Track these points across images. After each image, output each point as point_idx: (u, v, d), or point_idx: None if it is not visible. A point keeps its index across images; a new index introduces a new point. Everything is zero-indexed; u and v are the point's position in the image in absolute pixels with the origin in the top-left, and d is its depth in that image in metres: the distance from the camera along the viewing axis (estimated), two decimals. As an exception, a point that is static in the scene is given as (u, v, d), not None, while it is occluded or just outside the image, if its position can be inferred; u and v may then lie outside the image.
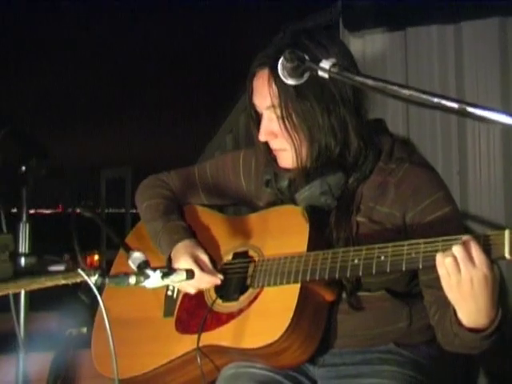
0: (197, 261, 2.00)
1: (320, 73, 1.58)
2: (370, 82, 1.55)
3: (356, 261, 1.77)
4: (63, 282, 1.53)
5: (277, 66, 1.65)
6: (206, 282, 1.99)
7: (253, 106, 1.99)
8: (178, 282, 1.69)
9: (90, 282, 1.51)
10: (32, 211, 1.85)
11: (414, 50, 3.56)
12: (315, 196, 1.95)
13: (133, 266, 1.63)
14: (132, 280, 1.58)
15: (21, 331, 1.89)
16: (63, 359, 2.74)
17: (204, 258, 2.02)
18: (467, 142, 3.42)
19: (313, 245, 1.89)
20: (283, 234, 1.96)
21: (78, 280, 1.52)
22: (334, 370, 1.97)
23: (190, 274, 1.69)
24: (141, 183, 2.35)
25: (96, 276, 1.51)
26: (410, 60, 3.58)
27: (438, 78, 3.51)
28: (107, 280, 1.54)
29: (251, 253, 2.02)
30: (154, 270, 1.61)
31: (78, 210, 1.76)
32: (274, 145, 1.97)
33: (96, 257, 6.72)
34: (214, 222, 2.18)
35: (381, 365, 1.93)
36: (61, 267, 1.60)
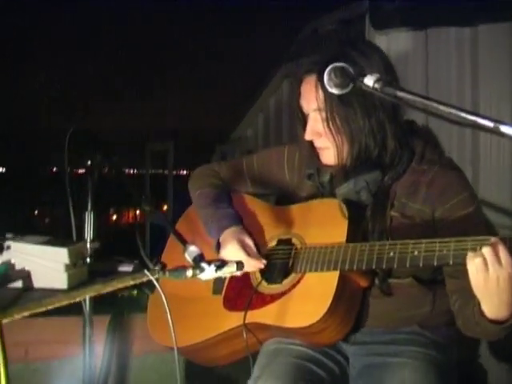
0: (243, 246, 1.99)
1: (364, 87, 1.53)
2: (410, 97, 1.50)
3: (391, 254, 1.76)
4: (132, 282, 1.51)
5: (323, 73, 1.62)
6: (251, 265, 1.98)
7: (299, 108, 1.98)
8: (230, 273, 1.65)
9: (155, 282, 1.49)
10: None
11: (434, 49, 3.46)
12: (354, 192, 1.94)
13: (189, 258, 1.60)
14: (189, 273, 1.58)
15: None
16: (118, 321, 2.74)
17: (250, 243, 2.01)
18: (479, 135, 3.32)
19: (351, 236, 1.88)
20: (324, 224, 1.94)
21: (145, 280, 1.50)
22: (364, 348, 1.98)
23: (240, 266, 1.66)
24: (193, 173, 2.34)
25: (159, 272, 1.49)
26: (430, 59, 3.48)
27: (456, 77, 3.41)
28: (167, 274, 1.52)
29: (294, 240, 2.01)
30: (209, 263, 1.58)
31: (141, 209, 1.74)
32: (318, 143, 1.97)
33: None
34: (260, 210, 2.17)
35: (406, 345, 1.93)
36: (129, 268, 1.58)
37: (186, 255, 1.60)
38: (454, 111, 1.41)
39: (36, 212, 15.25)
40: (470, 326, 1.78)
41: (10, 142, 14.88)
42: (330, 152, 1.94)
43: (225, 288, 2.08)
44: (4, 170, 18.49)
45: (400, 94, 1.49)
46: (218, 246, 2.04)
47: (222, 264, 1.60)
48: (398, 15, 3.43)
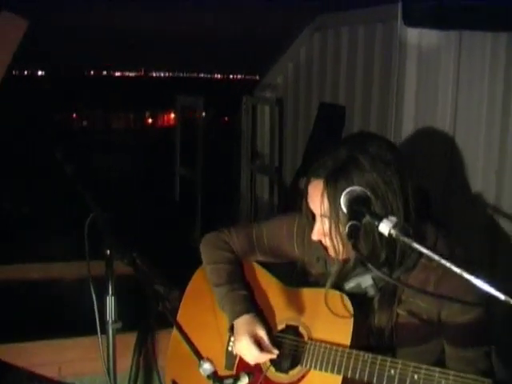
0: (256, 339, 2.02)
1: (380, 229, 1.46)
2: (423, 250, 1.43)
3: (392, 372, 1.76)
4: None
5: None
6: (263, 358, 2.03)
7: (307, 205, 1.91)
8: None
9: None
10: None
11: (468, 51, 3.27)
12: (361, 288, 1.93)
13: (203, 373, 1.61)
14: None
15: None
16: (146, 336, 2.80)
17: (262, 334, 2.04)
18: (507, 143, 3.20)
19: (355, 336, 1.88)
20: (330, 320, 1.94)
21: None
22: None
23: (251, 377, 1.66)
24: (204, 240, 2.32)
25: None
26: (462, 60, 3.30)
27: (488, 80, 3.25)
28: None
29: (301, 329, 2.02)
30: (221, 381, 1.59)
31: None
32: (325, 243, 1.92)
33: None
34: (272, 289, 2.17)
35: None
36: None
37: (201, 370, 1.61)
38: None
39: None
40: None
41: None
42: (335, 251, 1.90)
43: (236, 365, 2.12)
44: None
45: (415, 245, 1.43)
46: (232, 328, 2.08)
47: (234, 381, 1.62)
48: (431, 14, 3.23)
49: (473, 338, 1.83)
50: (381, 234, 1.52)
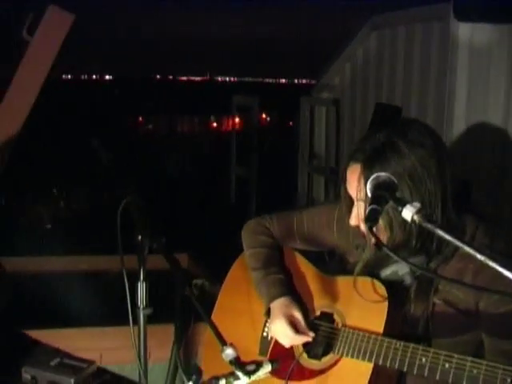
0: (291, 321, 2.01)
1: (403, 215, 1.43)
2: (446, 236, 1.39)
3: (423, 360, 1.74)
4: None
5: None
6: (298, 341, 2.02)
7: (346, 190, 1.88)
8: (264, 375, 1.65)
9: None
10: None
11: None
12: (397, 275, 1.89)
13: (225, 359, 1.61)
14: (222, 382, 1.57)
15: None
16: (185, 328, 2.82)
17: (298, 316, 2.03)
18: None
19: (389, 324, 1.86)
20: (365, 308, 1.92)
21: None
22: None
23: (275, 364, 1.66)
24: (245, 226, 2.33)
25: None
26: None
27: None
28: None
29: (336, 316, 2.02)
30: (243, 367, 1.59)
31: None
32: (363, 229, 1.88)
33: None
34: (310, 276, 2.17)
35: None
36: None
37: (223, 356, 1.62)
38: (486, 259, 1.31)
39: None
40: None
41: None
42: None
43: (270, 351, 2.13)
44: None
45: (439, 231, 1.39)
46: (268, 312, 2.09)
47: (256, 368, 1.61)
48: (482, 8, 3.16)
49: (511, 330, 1.76)
50: (414, 222, 1.48)
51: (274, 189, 7.28)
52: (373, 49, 5.49)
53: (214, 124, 28.46)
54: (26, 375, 1.73)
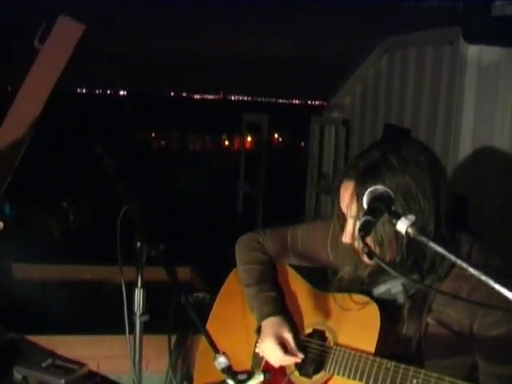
0: (281, 341, 2.02)
1: (398, 228, 1.44)
2: (440, 250, 1.40)
3: (414, 382, 1.73)
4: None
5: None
6: (287, 361, 2.03)
7: (339, 207, 1.88)
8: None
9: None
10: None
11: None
12: (390, 294, 1.90)
13: (218, 367, 1.62)
14: None
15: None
16: (183, 338, 2.83)
17: (288, 337, 2.04)
18: None
19: (381, 343, 1.85)
20: (357, 326, 1.93)
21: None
22: None
23: (267, 375, 1.66)
24: (239, 240, 2.34)
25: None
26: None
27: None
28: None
29: (327, 334, 2.02)
30: (234, 376, 1.59)
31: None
32: (357, 246, 1.88)
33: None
34: (302, 292, 2.17)
35: None
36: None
37: (216, 364, 1.62)
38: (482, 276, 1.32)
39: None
40: None
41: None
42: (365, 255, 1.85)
43: (262, 367, 2.13)
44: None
45: (432, 245, 1.40)
46: (259, 330, 2.10)
47: (248, 377, 1.61)
48: (491, 30, 3.18)
49: (505, 353, 1.75)
50: (408, 238, 1.49)
51: (281, 207, 7.29)
52: (384, 70, 5.53)
53: (226, 142, 28.61)
54: (18, 375, 1.75)
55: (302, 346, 2.04)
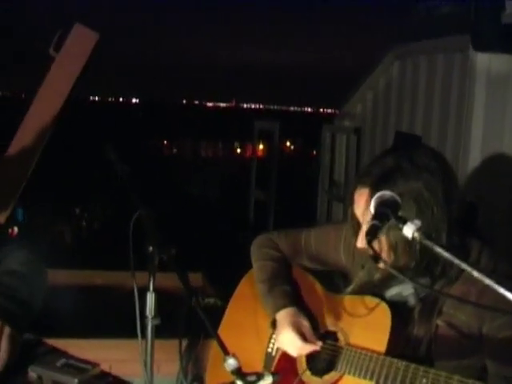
0: (299, 329, 2.01)
1: (404, 232, 1.48)
2: (445, 254, 1.43)
3: (424, 381, 1.76)
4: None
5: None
6: (306, 349, 2.03)
7: (353, 212, 1.92)
8: None
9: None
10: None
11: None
12: (402, 296, 1.94)
13: (227, 368, 1.65)
14: None
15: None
16: (195, 343, 2.86)
17: (306, 324, 2.06)
18: None
19: (391, 344, 1.89)
20: (369, 327, 1.96)
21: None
22: None
23: (276, 376, 1.69)
24: (255, 241, 2.39)
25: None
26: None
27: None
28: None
29: (339, 335, 2.05)
30: (244, 377, 1.62)
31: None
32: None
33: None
34: (315, 294, 2.20)
35: None
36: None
37: (225, 365, 1.65)
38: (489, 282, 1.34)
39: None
40: None
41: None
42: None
43: (274, 366, 2.16)
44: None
45: (437, 249, 1.43)
46: (274, 324, 2.11)
47: (257, 379, 1.64)
48: (501, 38, 3.21)
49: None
50: (414, 239, 1.51)
51: (293, 214, 7.34)
52: (395, 78, 5.54)
53: (238, 149, 28.73)
54: (33, 374, 1.79)
55: (319, 337, 2.06)
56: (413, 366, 1.79)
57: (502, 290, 1.70)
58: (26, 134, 2.92)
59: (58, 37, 2.87)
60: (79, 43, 2.78)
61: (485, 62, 3.40)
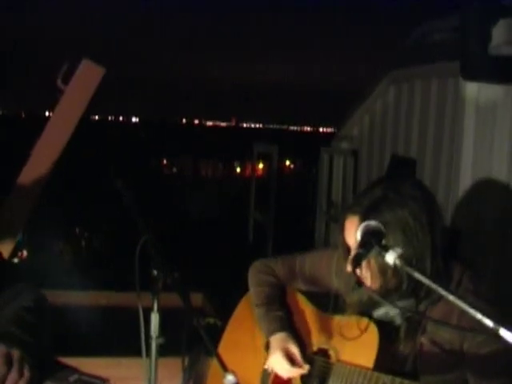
0: (288, 354, 2.15)
1: (386, 259, 1.63)
2: (424, 280, 1.57)
3: None
4: None
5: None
6: (294, 373, 2.17)
7: (343, 238, 2.07)
8: None
9: None
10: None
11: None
12: (388, 316, 2.11)
13: (227, 384, 1.77)
14: None
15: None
16: (196, 361, 2.98)
17: (295, 350, 2.20)
18: None
19: (379, 360, 2.04)
20: (358, 344, 2.11)
21: None
22: None
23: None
24: (252, 266, 2.55)
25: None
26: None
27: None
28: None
29: (331, 352, 2.21)
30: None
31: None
32: (360, 274, 2.05)
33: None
34: (309, 314, 2.37)
35: None
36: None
37: (225, 382, 1.79)
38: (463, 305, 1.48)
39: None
40: None
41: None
42: (367, 282, 2.06)
43: (270, 381, 2.33)
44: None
45: (417, 274, 1.58)
46: (267, 346, 2.29)
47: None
48: (489, 67, 3.35)
49: (493, 370, 1.94)
50: (396, 266, 1.67)
51: (291, 235, 7.47)
52: (391, 102, 5.66)
53: (238, 169, 28.92)
54: (47, 389, 1.93)
55: (307, 360, 2.24)
56: (398, 380, 1.94)
57: (472, 312, 1.85)
58: (35, 165, 3.07)
59: (65, 69, 3.03)
60: (87, 78, 2.95)
61: (474, 90, 3.53)
